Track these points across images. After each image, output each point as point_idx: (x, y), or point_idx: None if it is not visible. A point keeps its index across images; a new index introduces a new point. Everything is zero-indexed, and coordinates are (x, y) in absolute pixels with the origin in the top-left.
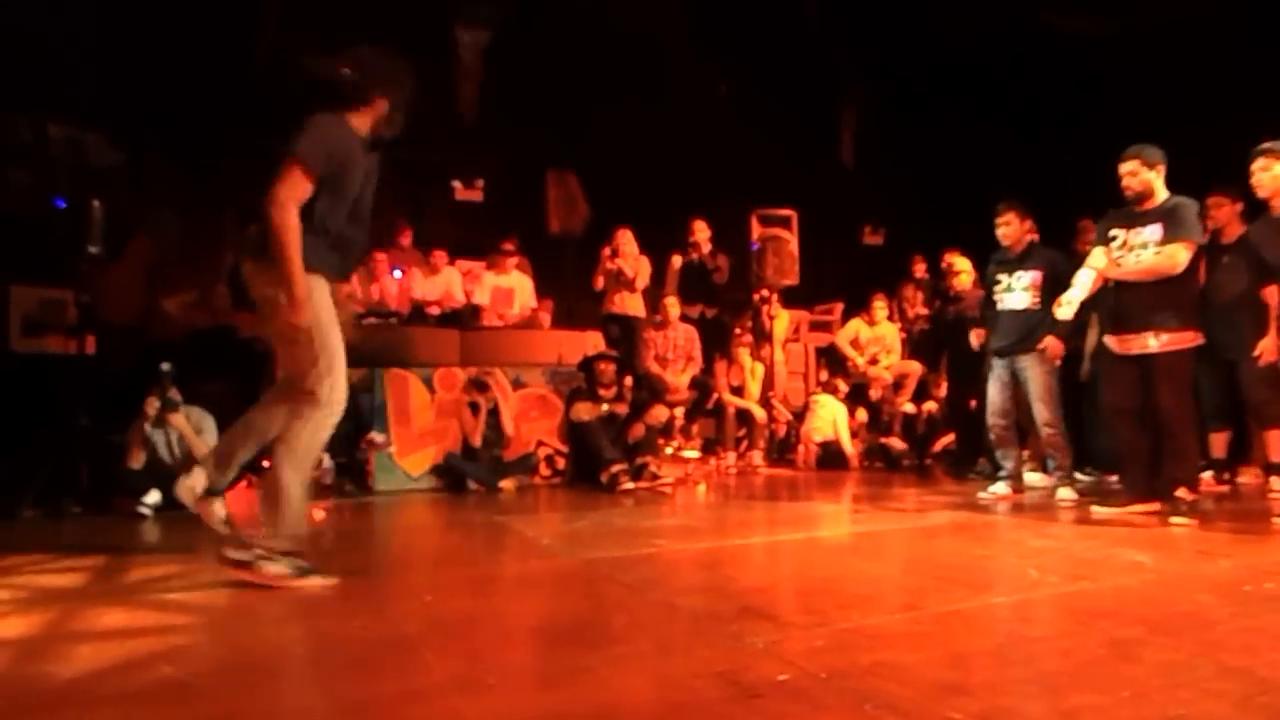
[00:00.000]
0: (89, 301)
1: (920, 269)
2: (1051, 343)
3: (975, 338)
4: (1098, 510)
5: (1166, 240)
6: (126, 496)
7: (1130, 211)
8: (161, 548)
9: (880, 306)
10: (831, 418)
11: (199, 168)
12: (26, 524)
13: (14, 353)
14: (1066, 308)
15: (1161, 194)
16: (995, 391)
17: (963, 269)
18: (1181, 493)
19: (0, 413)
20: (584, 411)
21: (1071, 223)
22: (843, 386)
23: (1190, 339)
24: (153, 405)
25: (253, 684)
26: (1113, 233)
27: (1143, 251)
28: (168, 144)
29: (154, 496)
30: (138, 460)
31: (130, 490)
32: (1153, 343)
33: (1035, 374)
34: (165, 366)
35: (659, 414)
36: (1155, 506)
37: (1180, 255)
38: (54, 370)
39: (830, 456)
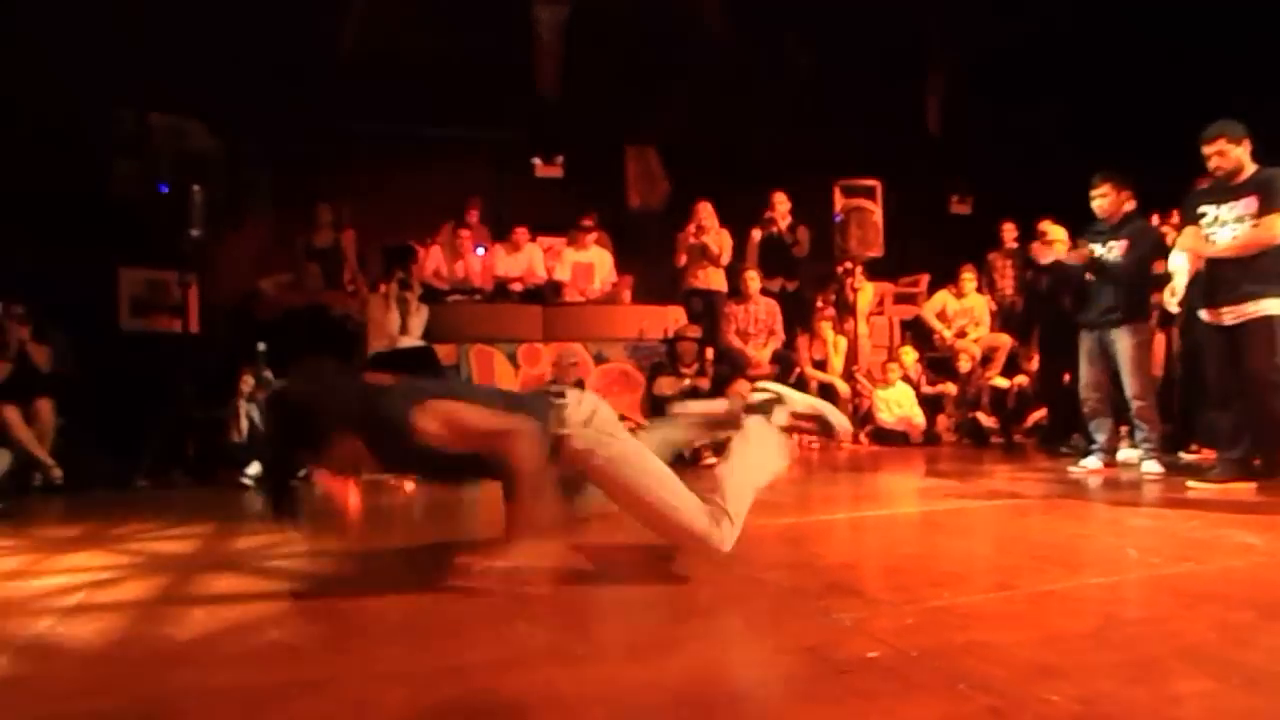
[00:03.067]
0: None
1: (1010, 237)
2: None
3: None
4: (1191, 485)
5: (1264, 211)
6: (230, 468)
7: (1219, 187)
8: (262, 517)
9: (968, 278)
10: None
11: (291, 153)
12: (139, 493)
13: (123, 331)
14: (1173, 300)
15: (1250, 167)
16: (1086, 364)
17: (1057, 237)
18: None
19: (112, 389)
20: (666, 386)
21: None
22: (895, 370)
23: (1277, 307)
24: (248, 383)
25: (354, 648)
26: (1201, 209)
27: (1237, 226)
28: (262, 131)
29: (255, 468)
30: (239, 433)
31: (233, 462)
32: (1250, 308)
33: (1124, 346)
34: (261, 346)
35: (741, 389)
36: (1252, 487)
37: (1278, 226)
38: (161, 348)
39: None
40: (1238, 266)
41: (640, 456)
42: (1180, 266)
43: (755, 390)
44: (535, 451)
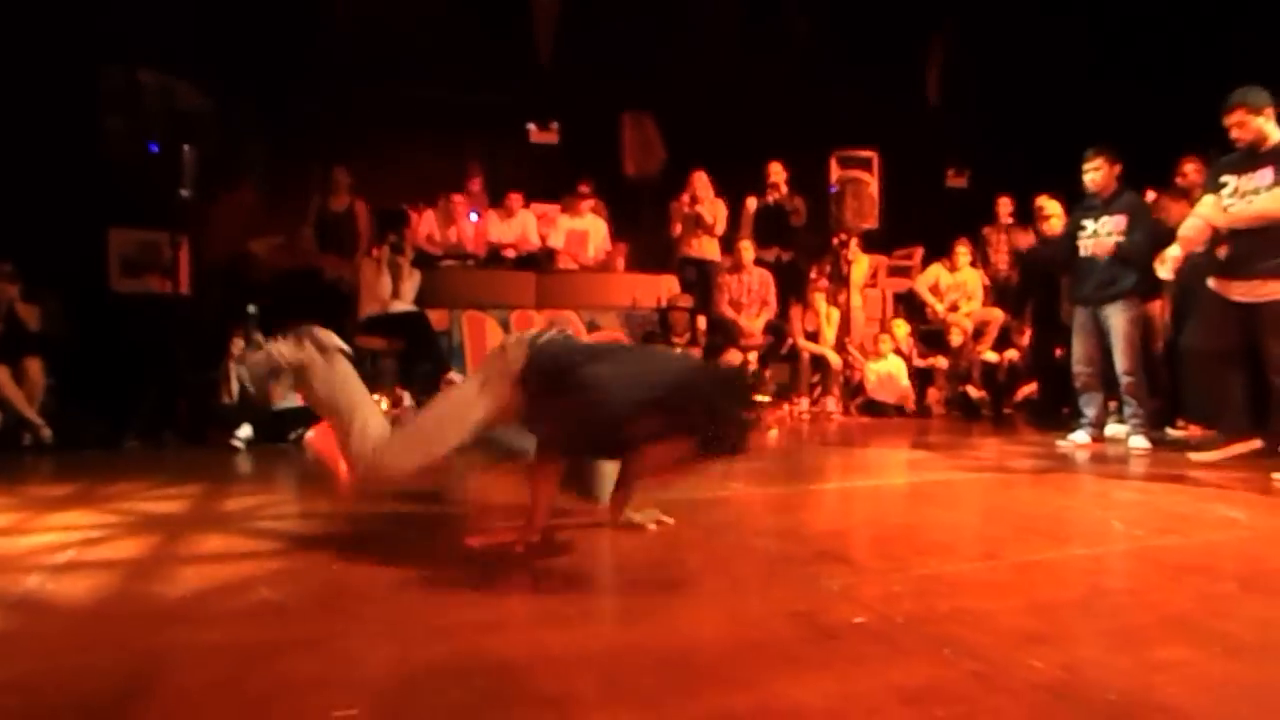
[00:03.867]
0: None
1: (1005, 212)
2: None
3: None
4: (1195, 456)
5: (1278, 183)
6: (220, 429)
7: (1242, 156)
8: (253, 479)
9: (963, 252)
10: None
11: (284, 113)
12: (130, 454)
13: (114, 292)
14: (1167, 266)
15: (1275, 135)
16: (1079, 339)
17: (1053, 213)
18: None
19: (103, 349)
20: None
21: (1170, 163)
22: (887, 342)
23: None
24: (238, 345)
25: (345, 608)
26: (1223, 179)
27: (1254, 197)
28: (254, 90)
29: (245, 430)
30: (229, 396)
31: (224, 424)
32: (1263, 290)
33: (1118, 322)
34: (251, 309)
35: (732, 359)
36: (1256, 444)
37: None
38: (152, 309)
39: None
40: (1250, 240)
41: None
42: (1185, 235)
43: None
44: None
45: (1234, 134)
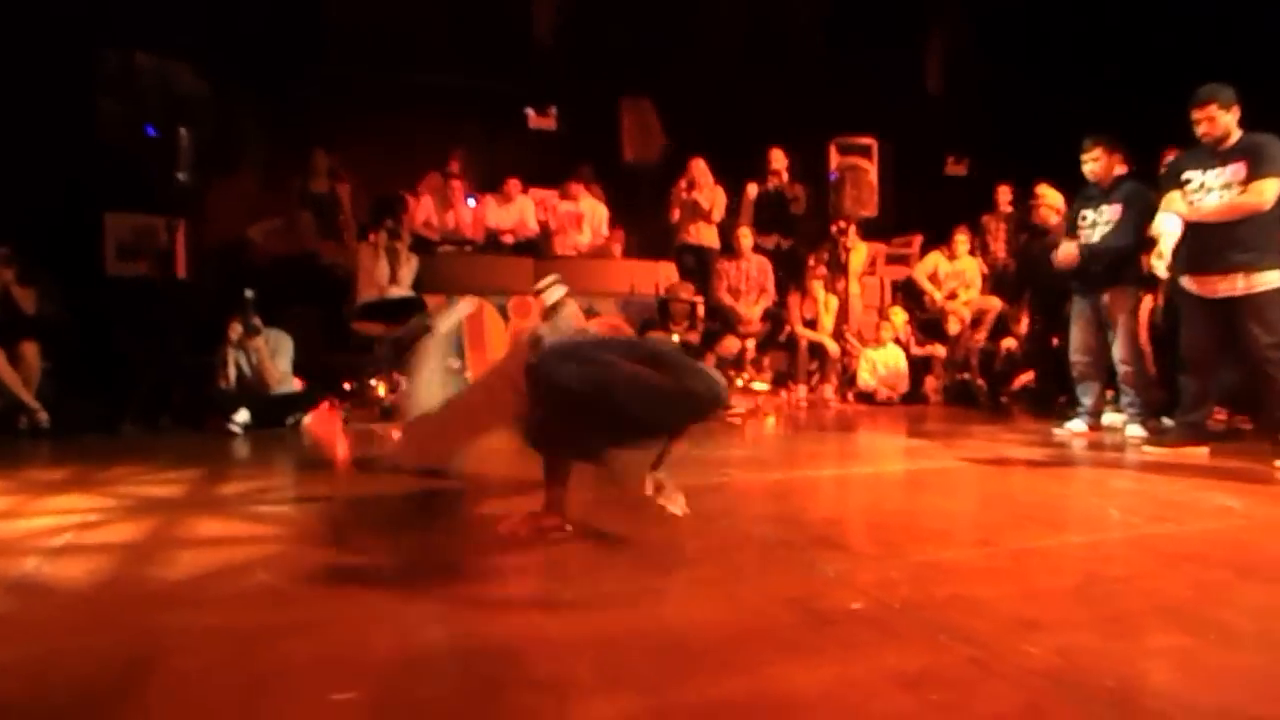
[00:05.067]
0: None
1: (1005, 200)
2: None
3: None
4: (1147, 449)
5: (1252, 177)
6: (217, 414)
7: (1205, 151)
8: (250, 463)
9: (962, 240)
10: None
11: (282, 98)
12: (127, 438)
13: (109, 276)
14: (1160, 263)
15: (1237, 133)
16: (1078, 328)
17: (1053, 202)
18: None
19: (98, 334)
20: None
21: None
22: (887, 330)
23: (1275, 280)
24: (235, 330)
25: (343, 593)
26: (1186, 175)
27: (1225, 192)
28: (252, 74)
29: (243, 415)
30: (227, 380)
31: (220, 409)
32: (1240, 284)
33: (1116, 311)
34: (248, 293)
35: (730, 345)
36: (1205, 451)
37: (1268, 191)
38: (148, 293)
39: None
40: (1222, 234)
41: None
42: (1169, 231)
43: None
44: None
45: (1202, 128)
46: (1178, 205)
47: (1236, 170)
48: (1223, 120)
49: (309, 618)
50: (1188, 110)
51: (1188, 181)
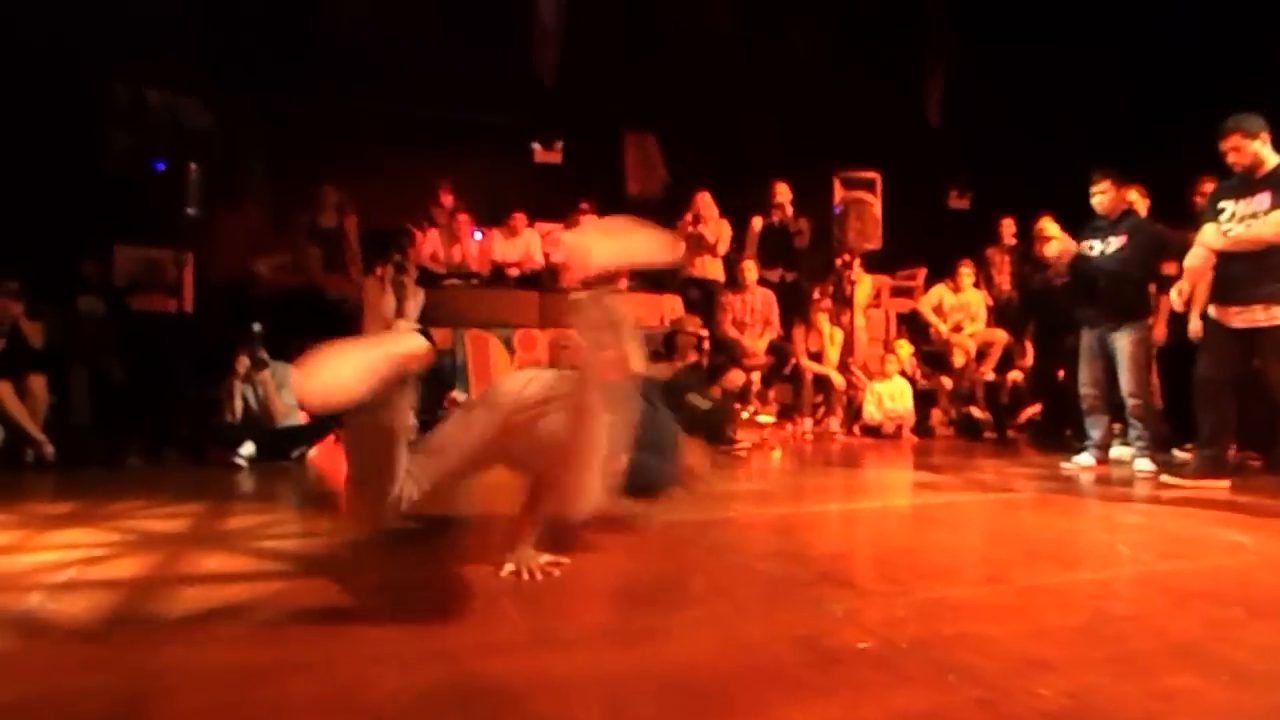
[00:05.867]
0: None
1: (1009, 233)
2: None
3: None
4: (1166, 479)
5: (1273, 208)
6: (223, 448)
7: (1240, 181)
8: (255, 497)
9: (966, 273)
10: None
11: (289, 132)
12: (131, 471)
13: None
14: (1178, 297)
15: (1272, 160)
16: (1085, 361)
17: (1053, 234)
18: None
19: (105, 367)
20: (661, 375)
21: (1183, 183)
22: (893, 363)
23: None
24: (243, 363)
25: (345, 631)
26: (1221, 204)
27: (1252, 221)
28: (259, 109)
29: (248, 448)
30: (233, 413)
31: (226, 442)
32: (1260, 316)
33: (1124, 344)
34: (255, 327)
35: (735, 378)
36: (1226, 485)
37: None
38: (156, 326)
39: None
40: (1247, 265)
41: None
42: (1193, 264)
43: None
44: None
45: (1230, 159)
46: (1209, 236)
47: (1262, 200)
48: (1249, 149)
49: (310, 656)
50: (1209, 139)
51: (1222, 211)
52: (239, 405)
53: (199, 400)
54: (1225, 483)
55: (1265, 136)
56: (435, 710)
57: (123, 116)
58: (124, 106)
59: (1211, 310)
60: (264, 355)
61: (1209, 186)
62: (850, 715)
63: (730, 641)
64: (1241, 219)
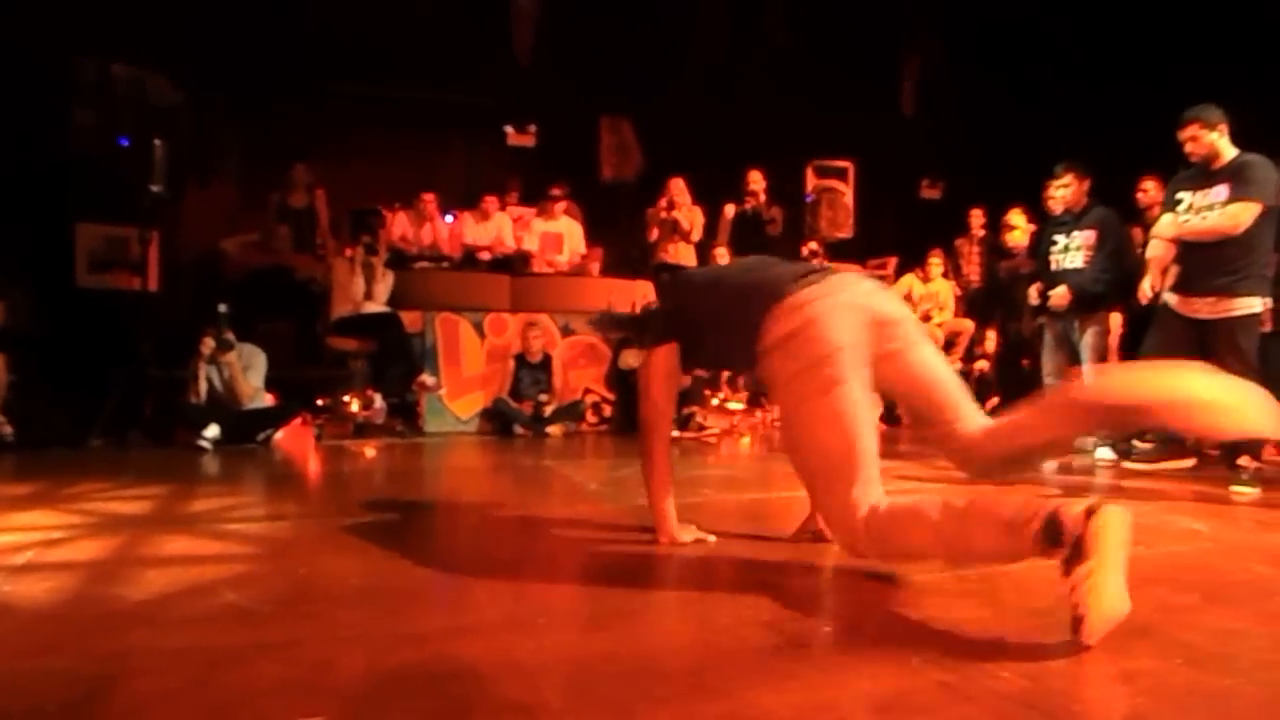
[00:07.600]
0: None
1: (978, 224)
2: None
3: (1035, 292)
4: (1129, 465)
5: (1231, 200)
6: (187, 429)
7: (1198, 173)
8: (219, 479)
9: (936, 263)
10: None
11: (260, 110)
12: (94, 453)
13: (80, 289)
14: (1149, 290)
15: (1229, 153)
16: (1049, 353)
17: (1018, 225)
18: (1244, 461)
19: (68, 347)
20: (632, 359)
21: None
22: None
23: (1252, 305)
24: (208, 344)
25: (312, 613)
26: (1179, 195)
27: (1209, 214)
28: (228, 86)
29: (213, 430)
30: (197, 395)
31: (191, 423)
32: (1216, 308)
33: (1087, 335)
34: (221, 307)
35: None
36: (1191, 463)
37: (1242, 215)
38: (119, 306)
39: None
40: (1206, 256)
41: None
42: (1155, 255)
43: None
44: None
45: (1188, 148)
46: (1164, 227)
47: (1220, 191)
48: (1206, 139)
49: (276, 639)
50: (1172, 133)
51: (1179, 202)
52: (204, 387)
53: (164, 381)
54: (1190, 461)
55: (1224, 128)
56: (404, 693)
57: (88, 92)
58: (90, 82)
59: (1167, 296)
60: (230, 337)
61: (1149, 184)
62: (816, 698)
63: (697, 625)
64: (1198, 210)
